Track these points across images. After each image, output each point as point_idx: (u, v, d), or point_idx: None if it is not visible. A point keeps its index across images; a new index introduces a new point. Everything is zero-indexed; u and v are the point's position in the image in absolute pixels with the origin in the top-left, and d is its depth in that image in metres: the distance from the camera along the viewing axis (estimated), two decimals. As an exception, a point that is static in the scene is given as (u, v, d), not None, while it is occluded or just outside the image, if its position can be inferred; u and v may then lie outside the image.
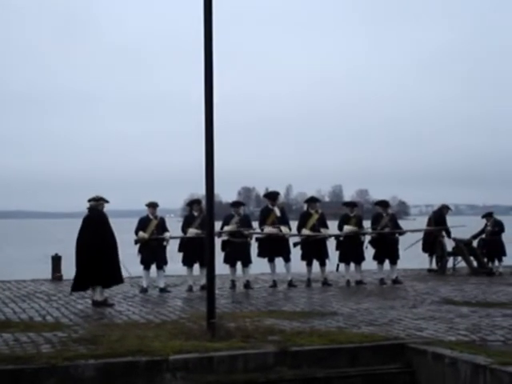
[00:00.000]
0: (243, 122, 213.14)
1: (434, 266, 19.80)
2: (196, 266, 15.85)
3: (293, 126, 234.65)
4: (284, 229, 16.34)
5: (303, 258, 16.81)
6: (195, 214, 16.15)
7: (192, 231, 15.81)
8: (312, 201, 17.53)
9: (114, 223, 13.69)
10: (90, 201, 13.60)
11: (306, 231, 16.66)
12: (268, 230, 16.25)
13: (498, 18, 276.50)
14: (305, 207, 17.75)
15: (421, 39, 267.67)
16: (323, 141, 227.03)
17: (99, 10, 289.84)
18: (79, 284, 13.47)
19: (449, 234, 19.76)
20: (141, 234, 15.51)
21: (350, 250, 16.93)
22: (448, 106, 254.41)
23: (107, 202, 13.74)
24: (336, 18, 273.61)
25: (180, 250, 16.10)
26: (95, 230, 13.31)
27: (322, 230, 16.74)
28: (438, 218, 19.89)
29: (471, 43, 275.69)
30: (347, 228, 16.95)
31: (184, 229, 16.07)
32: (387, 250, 17.29)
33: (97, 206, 13.57)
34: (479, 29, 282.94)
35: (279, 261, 16.57)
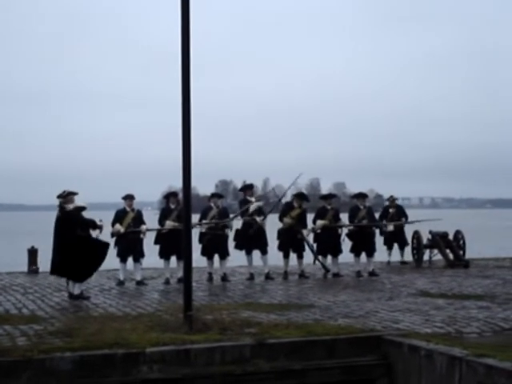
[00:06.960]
0: (221, 115, 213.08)
1: (404, 258, 20.06)
2: (173, 259, 15.80)
3: (270, 119, 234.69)
4: (259, 219, 16.31)
5: (280, 248, 16.81)
6: (172, 206, 16.12)
7: (169, 224, 15.78)
8: (300, 197, 17.38)
9: (90, 216, 13.61)
10: (58, 197, 13.30)
11: (287, 220, 16.62)
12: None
13: (492, 19, 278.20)
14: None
15: (404, 41, 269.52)
16: (300, 134, 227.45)
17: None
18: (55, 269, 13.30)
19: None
20: (117, 226, 15.45)
21: (328, 243, 16.98)
22: (426, 103, 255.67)
23: (76, 194, 13.39)
24: (324, 18, 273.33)
25: (157, 242, 16.06)
26: (65, 231, 13.09)
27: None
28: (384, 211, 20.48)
29: (454, 46, 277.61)
30: (319, 223, 17.00)
31: (161, 221, 16.03)
32: (364, 242, 17.35)
33: (66, 203, 13.19)
34: (468, 32, 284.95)
35: (256, 253, 16.58)
